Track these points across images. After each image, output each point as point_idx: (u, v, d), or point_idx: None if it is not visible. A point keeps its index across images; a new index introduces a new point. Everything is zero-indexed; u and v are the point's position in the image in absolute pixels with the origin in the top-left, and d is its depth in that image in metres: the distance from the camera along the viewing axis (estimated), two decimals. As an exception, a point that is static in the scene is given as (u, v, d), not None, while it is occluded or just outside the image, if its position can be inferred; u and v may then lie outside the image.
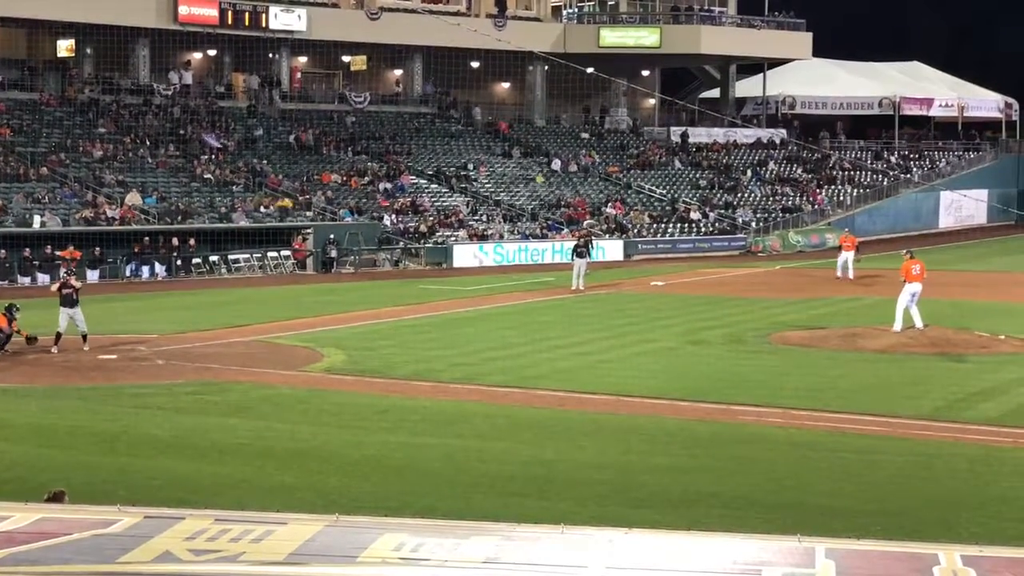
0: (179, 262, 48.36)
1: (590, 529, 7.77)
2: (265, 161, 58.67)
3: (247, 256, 50.02)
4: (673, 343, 30.10)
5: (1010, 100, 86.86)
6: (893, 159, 77.62)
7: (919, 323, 30.27)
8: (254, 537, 7.35)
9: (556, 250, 53.67)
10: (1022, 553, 7.49)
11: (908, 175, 74.94)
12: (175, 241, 48.71)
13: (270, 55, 66.04)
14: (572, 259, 43.21)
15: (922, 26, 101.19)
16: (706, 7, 73.46)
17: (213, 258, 49.04)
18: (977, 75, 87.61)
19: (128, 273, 47.71)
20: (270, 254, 50.42)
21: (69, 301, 28.54)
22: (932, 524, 14.92)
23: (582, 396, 23.15)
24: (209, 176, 55.67)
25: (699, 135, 74.24)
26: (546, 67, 68.81)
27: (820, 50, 76.99)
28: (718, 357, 28.05)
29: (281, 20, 62.81)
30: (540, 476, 17.05)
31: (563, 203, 61.62)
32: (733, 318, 34.58)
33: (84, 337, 28.60)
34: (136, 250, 48.07)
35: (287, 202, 54.24)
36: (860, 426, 20.60)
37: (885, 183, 72.71)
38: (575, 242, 45.31)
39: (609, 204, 62.34)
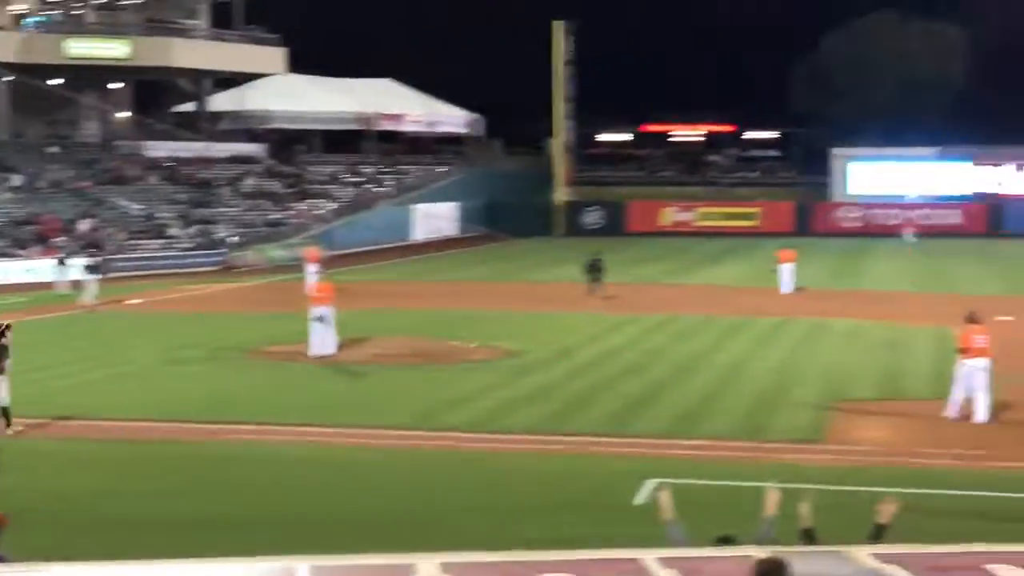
0: None
1: (43, 566, 7.35)
2: None
3: None
4: (151, 363, 29.35)
5: (476, 116, 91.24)
6: (369, 173, 79.53)
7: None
8: None
9: (28, 269, 51.23)
10: (498, 558, 7.81)
11: (383, 188, 77.07)
12: None
13: None
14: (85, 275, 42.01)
15: (394, 45, 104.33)
16: (178, 20, 72.36)
17: None
18: (445, 92, 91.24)
19: None
20: None
21: None
22: (413, 532, 15.35)
23: (51, 423, 22.07)
24: None
25: (176, 149, 72.91)
26: (10, 78, 65.32)
27: (296, 65, 77.79)
28: (198, 375, 27.63)
29: None
30: None
31: (32, 220, 58.73)
32: (213, 335, 34.15)
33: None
34: None
35: None
36: (344, 439, 20.93)
37: (361, 197, 74.40)
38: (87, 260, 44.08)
39: (83, 220, 60.01)
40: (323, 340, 29.75)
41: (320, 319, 29.82)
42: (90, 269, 42.33)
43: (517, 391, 25.35)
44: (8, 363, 21.28)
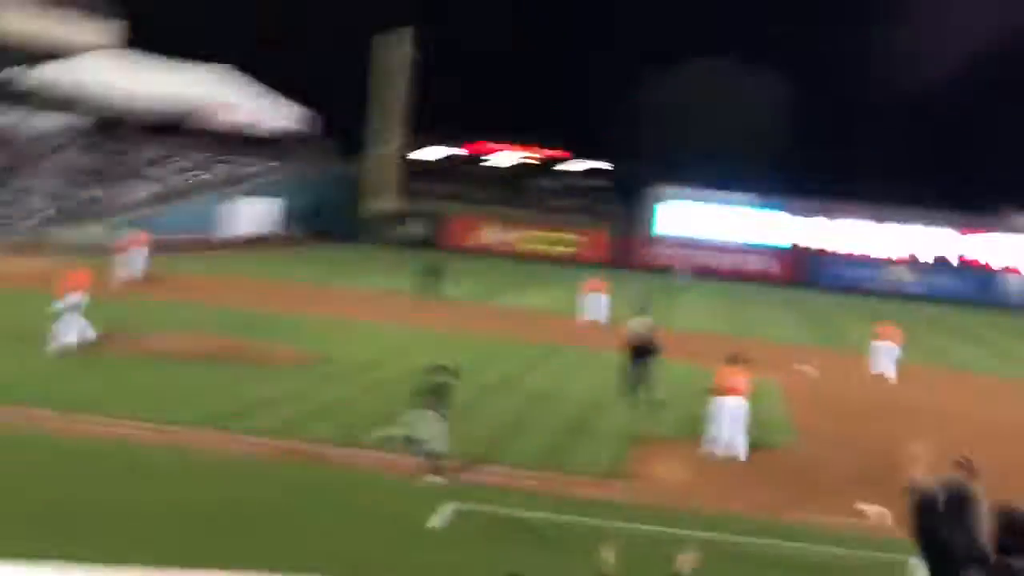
0: None
1: None
2: None
3: None
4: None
5: (311, 113, 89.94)
6: (194, 160, 77.87)
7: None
8: None
9: None
10: None
11: (207, 178, 75.54)
12: None
13: None
14: None
15: (230, 31, 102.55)
16: (7, -17, 69.87)
17: None
18: (281, 86, 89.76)
19: None
20: None
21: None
22: (186, 534, 14.88)
23: None
24: None
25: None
26: None
27: (130, 42, 75.80)
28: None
29: None
30: None
31: None
32: (7, 314, 32.96)
33: None
34: None
35: None
36: (134, 431, 20.27)
37: (184, 184, 72.79)
38: None
39: None
40: (67, 330, 28.19)
41: (74, 307, 28.35)
42: None
43: (321, 399, 24.91)
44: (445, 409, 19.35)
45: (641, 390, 27.32)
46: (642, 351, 27.72)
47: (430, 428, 18.96)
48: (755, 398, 24.20)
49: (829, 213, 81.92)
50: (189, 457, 19.13)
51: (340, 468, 19.54)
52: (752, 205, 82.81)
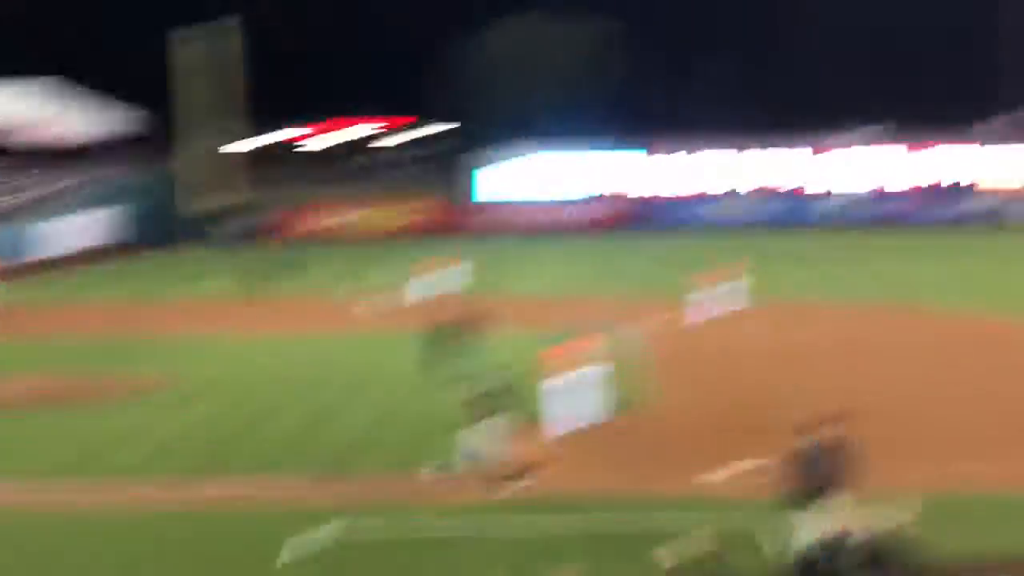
0: None
1: None
2: None
3: None
4: None
5: (134, 112, 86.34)
6: (18, 181, 74.62)
7: None
8: None
9: None
10: None
11: (23, 198, 72.70)
12: None
13: None
14: None
15: (34, 42, 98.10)
16: None
17: None
18: (100, 85, 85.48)
19: None
20: None
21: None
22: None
23: None
24: None
25: None
26: None
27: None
28: None
29: None
30: None
31: None
32: None
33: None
34: None
35: None
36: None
37: (10, 205, 69.84)
38: None
39: None
40: None
41: None
42: None
43: (165, 431, 23.80)
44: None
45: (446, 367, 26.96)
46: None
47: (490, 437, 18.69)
48: (612, 358, 23.62)
49: (653, 148, 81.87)
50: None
51: (177, 508, 18.66)
52: (583, 150, 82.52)
